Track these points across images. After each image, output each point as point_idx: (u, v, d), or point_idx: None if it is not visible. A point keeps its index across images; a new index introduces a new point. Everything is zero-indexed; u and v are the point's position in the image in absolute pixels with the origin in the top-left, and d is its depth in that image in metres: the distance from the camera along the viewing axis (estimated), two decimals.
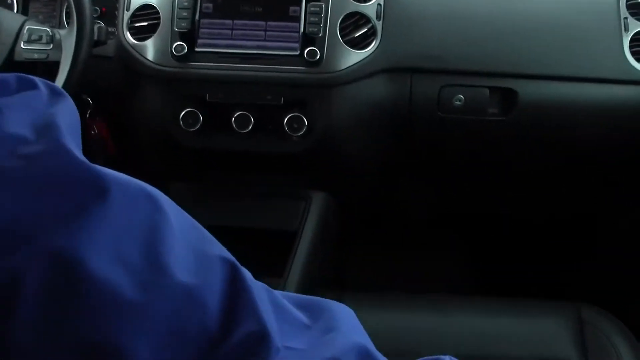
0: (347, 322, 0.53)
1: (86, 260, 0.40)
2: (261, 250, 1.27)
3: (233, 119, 1.17)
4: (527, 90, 1.18)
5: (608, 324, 1.06)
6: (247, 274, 0.47)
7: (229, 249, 1.09)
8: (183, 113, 1.16)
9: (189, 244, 0.45)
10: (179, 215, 0.46)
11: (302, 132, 1.17)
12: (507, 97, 1.19)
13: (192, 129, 1.18)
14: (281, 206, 1.29)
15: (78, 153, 0.43)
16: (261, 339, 0.44)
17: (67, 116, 0.45)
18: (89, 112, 1.22)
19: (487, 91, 1.18)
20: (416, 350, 1.04)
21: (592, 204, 1.43)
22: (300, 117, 1.17)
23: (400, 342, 1.05)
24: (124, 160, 1.33)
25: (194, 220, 0.48)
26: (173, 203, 0.47)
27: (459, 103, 1.18)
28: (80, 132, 0.47)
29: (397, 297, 1.16)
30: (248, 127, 1.18)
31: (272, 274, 1.23)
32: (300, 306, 0.52)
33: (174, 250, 0.43)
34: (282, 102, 1.17)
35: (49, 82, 0.47)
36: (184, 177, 1.31)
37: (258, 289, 0.47)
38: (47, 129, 0.43)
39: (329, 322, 0.51)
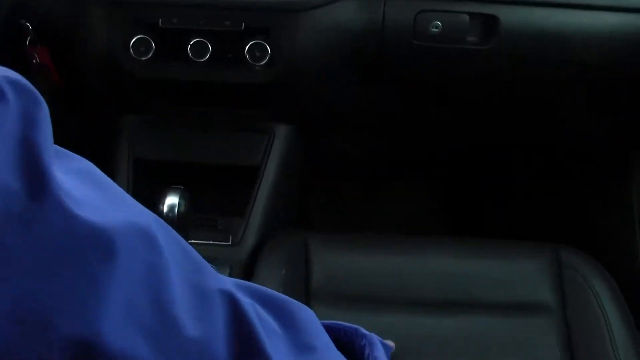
0: (318, 334, 0.56)
1: (105, 336, 0.38)
2: (222, 187, 1.24)
3: (189, 46, 1.11)
4: (510, 16, 1.12)
5: (587, 267, 1.05)
6: (242, 299, 0.47)
7: (189, 187, 1.06)
8: (134, 40, 1.10)
9: (188, 281, 0.44)
10: (171, 246, 0.44)
11: (264, 61, 1.12)
12: (488, 24, 1.13)
13: (144, 58, 1.11)
14: (243, 140, 1.25)
15: (73, 205, 0.37)
16: None
17: (48, 137, 0.38)
18: (28, 39, 1.16)
19: (466, 17, 1.12)
20: (389, 295, 1.05)
21: (572, 138, 1.42)
22: (263, 44, 1.11)
23: (372, 286, 1.04)
24: (72, 91, 1.27)
25: (183, 244, 0.46)
26: (162, 225, 0.44)
27: (435, 30, 1.13)
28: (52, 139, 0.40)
29: (367, 238, 1.13)
30: (205, 56, 1.12)
31: (234, 213, 1.21)
32: (265, 304, 0.53)
33: (177, 297, 0.42)
34: (243, 28, 1.11)
35: (15, 79, 0.38)
36: (137, 109, 1.26)
37: (253, 316, 0.47)
38: (34, 171, 0.36)
39: (300, 334, 0.53)
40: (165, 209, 0.97)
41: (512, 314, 1.01)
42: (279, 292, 1.02)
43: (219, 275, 0.48)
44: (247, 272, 1.11)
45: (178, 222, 0.97)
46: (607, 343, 0.99)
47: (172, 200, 0.97)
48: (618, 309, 1.01)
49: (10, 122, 0.36)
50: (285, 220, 1.30)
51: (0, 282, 0.35)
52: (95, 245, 0.38)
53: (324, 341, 0.57)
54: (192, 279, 0.44)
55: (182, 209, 0.98)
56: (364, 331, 0.65)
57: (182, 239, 0.46)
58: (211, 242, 1.17)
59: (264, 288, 0.56)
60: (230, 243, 1.18)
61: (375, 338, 0.65)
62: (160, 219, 0.45)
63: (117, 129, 1.24)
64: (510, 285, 1.04)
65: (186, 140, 1.25)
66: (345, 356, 0.62)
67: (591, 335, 1.00)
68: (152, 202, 0.98)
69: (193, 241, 1.13)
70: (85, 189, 0.40)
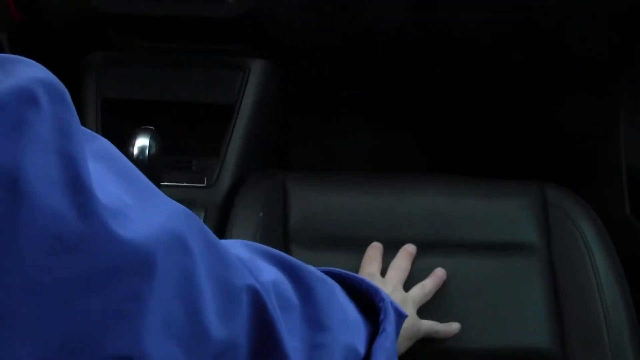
0: (334, 312, 0.58)
1: (147, 352, 0.39)
2: (196, 127, 1.23)
3: None
4: None
5: (573, 205, 1.05)
6: (265, 293, 0.49)
7: (160, 127, 1.06)
8: None
9: (216, 279, 0.45)
10: (199, 242, 0.44)
11: None
12: None
13: None
14: (216, 77, 1.22)
15: (115, 223, 0.37)
16: None
17: (82, 146, 0.37)
18: None
19: None
20: (371, 235, 1.04)
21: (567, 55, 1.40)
22: None
23: (353, 226, 1.03)
24: (33, 27, 1.24)
25: (209, 237, 0.47)
26: (190, 219, 0.45)
27: None
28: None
29: (347, 178, 1.12)
30: None
31: (208, 154, 1.20)
32: (288, 272, 0.55)
33: (207, 299, 0.44)
34: None
35: (48, 81, 0.36)
36: (103, 46, 1.23)
37: (275, 308, 0.50)
38: (78, 191, 0.35)
39: (317, 310, 0.56)
40: (135, 151, 0.96)
41: (496, 253, 1.01)
42: (256, 235, 1.02)
43: (242, 267, 0.49)
44: (223, 214, 1.10)
45: (149, 164, 0.95)
46: (593, 282, 0.99)
47: (142, 142, 0.95)
48: (604, 248, 1.01)
49: (45, 132, 0.35)
50: (263, 160, 1.29)
51: (49, 311, 0.35)
52: (138, 263, 0.38)
53: (338, 320, 0.59)
54: (219, 276, 0.45)
55: (153, 150, 0.96)
56: (384, 295, 0.67)
57: (207, 231, 0.46)
58: (185, 184, 1.16)
59: (290, 257, 0.58)
60: (205, 185, 1.17)
61: (389, 306, 0.67)
62: (188, 211, 0.45)
63: (83, 68, 1.21)
64: (495, 224, 1.04)
65: (156, 78, 1.22)
66: (362, 308, 0.66)
67: (576, 274, 1.00)
68: (122, 144, 0.96)
69: (166, 183, 1.12)
70: (115, 184, 0.40)
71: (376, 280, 0.94)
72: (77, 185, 0.35)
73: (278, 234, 1.02)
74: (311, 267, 0.60)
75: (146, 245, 0.38)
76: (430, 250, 1.01)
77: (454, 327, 0.95)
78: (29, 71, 0.36)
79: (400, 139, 1.66)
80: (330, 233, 1.02)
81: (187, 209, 0.45)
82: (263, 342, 0.48)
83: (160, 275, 0.39)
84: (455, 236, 1.03)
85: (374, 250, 1.00)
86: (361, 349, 0.64)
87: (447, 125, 1.66)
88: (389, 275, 0.96)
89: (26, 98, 0.35)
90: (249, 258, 0.53)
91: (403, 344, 0.88)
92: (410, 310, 0.91)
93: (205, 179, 1.17)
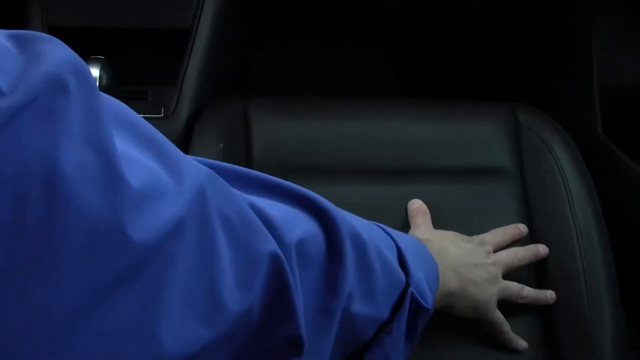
0: (361, 270, 0.58)
1: (167, 345, 0.39)
2: (150, 54, 1.18)
3: None
4: None
5: (545, 127, 1.03)
6: (286, 257, 0.49)
7: (112, 56, 1.01)
8: None
9: (238, 247, 0.45)
10: (224, 205, 0.44)
11: None
12: None
13: None
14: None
15: (144, 213, 0.36)
16: (296, 341, 0.51)
17: (111, 131, 0.36)
18: None
19: None
20: (339, 163, 1.01)
21: None
22: None
23: (320, 154, 1.00)
24: None
25: (235, 198, 0.47)
26: (215, 181, 0.44)
27: None
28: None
29: (314, 103, 1.09)
30: None
31: (165, 83, 1.16)
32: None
33: (226, 271, 0.44)
34: None
35: (78, 67, 0.36)
36: None
37: (295, 271, 0.50)
38: (112, 185, 0.35)
39: (341, 271, 0.55)
40: None
41: (468, 178, 1.00)
42: None
43: (265, 231, 0.48)
44: (182, 146, 1.07)
45: None
46: (565, 204, 0.99)
47: (92, 73, 0.92)
48: (576, 170, 1.01)
49: (76, 119, 0.34)
50: (224, 87, 1.25)
51: (85, 316, 0.34)
52: (158, 256, 0.37)
53: (362, 286, 0.59)
54: (241, 243, 0.45)
55: (104, 82, 0.93)
56: (413, 277, 0.68)
57: (231, 193, 0.46)
58: (141, 115, 1.12)
59: (332, 209, 0.57)
60: (162, 115, 1.13)
61: (408, 299, 0.67)
62: (212, 173, 0.44)
63: None
64: (466, 149, 1.02)
65: (105, 1, 1.17)
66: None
67: (549, 197, 1.00)
68: None
69: None
70: (142, 154, 0.40)
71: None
72: (111, 177, 0.35)
73: (241, 166, 0.99)
74: (351, 220, 0.59)
75: (175, 226, 0.38)
76: (401, 177, 1.00)
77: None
78: (55, 53, 0.35)
79: (370, 63, 1.63)
80: (297, 162, 1.00)
81: (211, 171, 0.44)
82: (275, 306, 0.48)
83: (182, 259, 0.39)
84: (425, 162, 1.01)
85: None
86: (385, 313, 0.65)
87: (418, 49, 1.63)
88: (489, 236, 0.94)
89: (58, 86, 0.34)
90: (281, 217, 0.52)
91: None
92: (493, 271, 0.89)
93: (163, 109, 1.13)
